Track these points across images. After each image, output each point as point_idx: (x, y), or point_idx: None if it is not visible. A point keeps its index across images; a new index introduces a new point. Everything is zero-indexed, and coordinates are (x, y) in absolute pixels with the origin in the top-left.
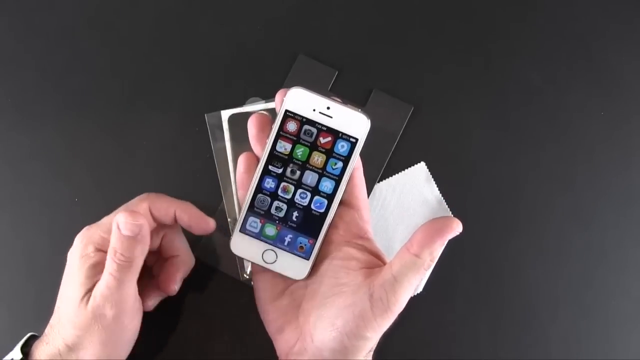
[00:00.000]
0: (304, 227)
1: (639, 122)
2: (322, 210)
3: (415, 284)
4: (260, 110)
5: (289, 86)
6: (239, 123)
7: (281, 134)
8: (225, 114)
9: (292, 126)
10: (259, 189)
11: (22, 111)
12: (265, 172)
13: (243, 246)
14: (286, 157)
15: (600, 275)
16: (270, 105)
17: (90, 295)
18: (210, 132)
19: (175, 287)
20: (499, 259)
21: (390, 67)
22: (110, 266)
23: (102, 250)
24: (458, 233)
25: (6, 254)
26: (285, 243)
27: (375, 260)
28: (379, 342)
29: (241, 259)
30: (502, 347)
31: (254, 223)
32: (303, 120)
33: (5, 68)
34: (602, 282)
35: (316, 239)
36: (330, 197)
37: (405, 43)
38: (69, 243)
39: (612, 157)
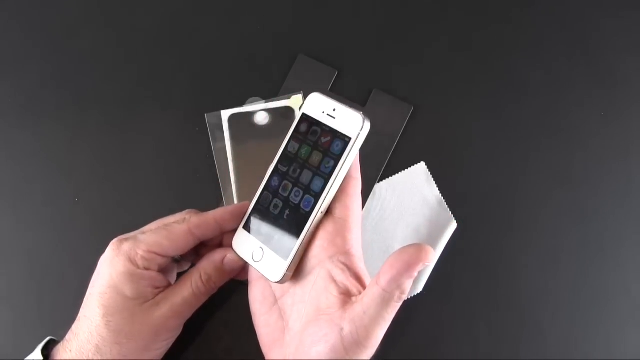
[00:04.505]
0: (291, 226)
1: (639, 122)
2: (308, 209)
3: (389, 317)
4: (260, 110)
5: (289, 86)
6: (239, 123)
7: (294, 135)
8: (225, 114)
9: (303, 127)
10: (267, 186)
11: (22, 111)
12: (275, 171)
13: (241, 243)
14: (293, 156)
15: (600, 274)
16: (270, 105)
17: (141, 304)
18: (210, 132)
19: None
20: (499, 258)
21: (390, 67)
22: (197, 287)
23: (137, 266)
24: (429, 264)
25: (7, 253)
26: (273, 242)
27: (353, 285)
28: (376, 351)
29: None
30: (501, 347)
31: (255, 220)
32: (312, 122)
33: (6, 67)
34: (602, 281)
35: (297, 238)
36: (317, 196)
37: (406, 43)
38: (69, 242)
39: (612, 157)
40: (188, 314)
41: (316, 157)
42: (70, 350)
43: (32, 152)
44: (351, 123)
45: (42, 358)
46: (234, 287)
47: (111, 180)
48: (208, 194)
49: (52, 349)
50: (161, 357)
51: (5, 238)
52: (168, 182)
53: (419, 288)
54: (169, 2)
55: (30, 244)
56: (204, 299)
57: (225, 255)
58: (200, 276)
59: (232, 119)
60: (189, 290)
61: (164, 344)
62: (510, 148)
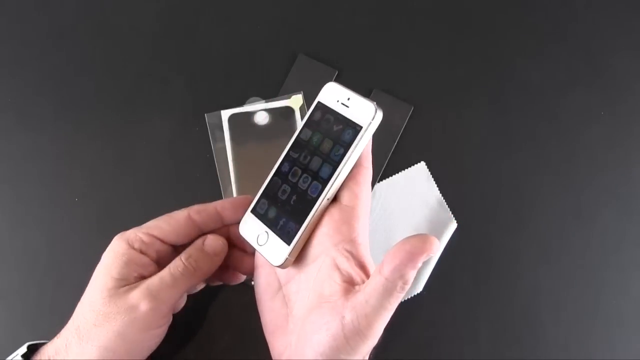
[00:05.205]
0: (297, 211)
1: (639, 122)
2: (314, 195)
3: (391, 307)
4: (260, 110)
5: (289, 86)
6: (239, 123)
7: (307, 123)
8: (225, 114)
9: (317, 115)
10: (277, 172)
11: (22, 111)
12: (286, 158)
13: (248, 226)
14: (305, 143)
15: (600, 275)
16: (270, 105)
17: (122, 287)
18: (210, 132)
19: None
20: (499, 258)
21: (390, 67)
22: (175, 266)
23: (133, 247)
24: (433, 254)
25: (6, 253)
26: (278, 226)
27: (357, 274)
28: (379, 340)
29: None
30: (502, 347)
31: (263, 205)
32: (326, 110)
33: (6, 68)
34: (602, 282)
35: (302, 224)
36: (324, 182)
37: (406, 43)
38: (69, 243)
39: (612, 157)
40: (166, 298)
41: (327, 145)
42: (59, 337)
43: (33, 152)
44: (364, 112)
45: (25, 350)
46: (234, 287)
47: (111, 180)
48: (208, 194)
49: (42, 344)
50: (145, 357)
51: (5, 238)
52: (168, 182)
53: (419, 288)
54: (169, 2)
55: (30, 244)
56: (183, 282)
57: (207, 236)
58: (180, 256)
59: (232, 119)
60: (167, 270)
61: (144, 338)
62: (510, 148)
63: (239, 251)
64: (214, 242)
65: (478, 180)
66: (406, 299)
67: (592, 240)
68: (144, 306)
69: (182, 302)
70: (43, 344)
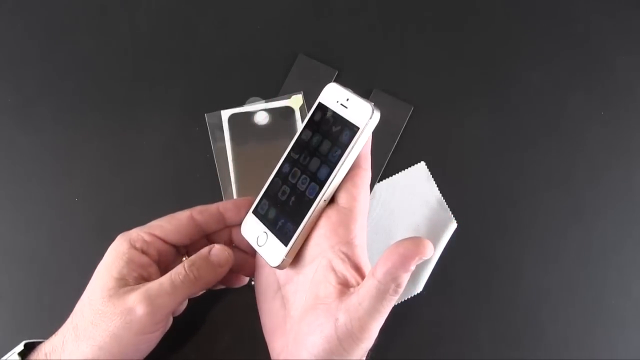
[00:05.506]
0: (295, 212)
1: (639, 122)
2: (312, 197)
3: (384, 311)
4: (260, 110)
5: (289, 86)
6: (239, 123)
7: (308, 124)
8: (225, 114)
9: (317, 116)
10: (278, 172)
11: (22, 111)
12: (287, 159)
13: (249, 227)
14: (305, 144)
15: (600, 275)
16: (270, 105)
17: (122, 287)
18: (210, 132)
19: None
20: (499, 258)
21: (390, 67)
22: (176, 273)
23: (134, 247)
24: (427, 258)
25: (6, 254)
26: (277, 227)
27: (352, 276)
28: (378, 340)
29: None
30: (502, 347)
31: (264, 205)
32: (326, 111)
33: (6, 68)
34: (602, 282)
35: (299, 225)
36: (321, 184)
37: (406, 43)
38: (69, 243)
39: (612, 157)
40: (163, 304)
41: (326, 146)
42: (56, 335)
43: (33, 152)
44: (361, 113)
45: (22, 348)
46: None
47: (111, 180)
48: (208, 194)
49: (39, 343)
50: (139, 358)
51: (5, 238)
52: (168, 182)
53: (419, 288)
54: (169, 2)
55: (30, 244)
56: (182, 290)
57: (214, 246)
58: (184, 264)
59: (232, 118)
60: (168, 276)
61: (139, 341)
62: (510, 148)
63: (241, 253)
64: (220, 253)
65: (478, 180)
66: (406, 298)
67: (591, 239)
68: (140, 310)
69: (183, 307)
70: (40, 342)
